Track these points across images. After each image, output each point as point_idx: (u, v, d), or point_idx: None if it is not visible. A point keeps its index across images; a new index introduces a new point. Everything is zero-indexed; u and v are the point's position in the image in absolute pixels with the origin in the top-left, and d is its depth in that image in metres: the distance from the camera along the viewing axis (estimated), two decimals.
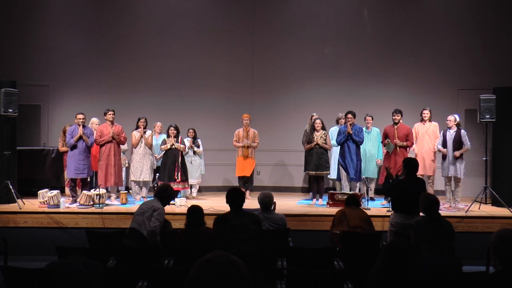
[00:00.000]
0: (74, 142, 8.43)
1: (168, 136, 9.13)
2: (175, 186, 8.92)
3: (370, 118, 9.66)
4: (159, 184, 8.89)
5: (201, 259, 1.62)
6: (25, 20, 11.13)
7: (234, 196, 4.91)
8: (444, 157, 8.66)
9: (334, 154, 9.65)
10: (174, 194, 6.14)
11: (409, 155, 8.61)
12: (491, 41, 10.68)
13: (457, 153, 8.42)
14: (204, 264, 1.60)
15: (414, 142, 8.93)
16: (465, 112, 10.56)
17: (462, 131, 8.62)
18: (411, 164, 6.06)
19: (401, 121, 8.93)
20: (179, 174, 8.97)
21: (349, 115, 8.76)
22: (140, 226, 5.56)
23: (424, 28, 10.94)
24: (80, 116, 8.57)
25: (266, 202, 5.75)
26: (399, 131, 8.76)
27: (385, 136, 8.87)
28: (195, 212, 5.26)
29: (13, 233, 7.53)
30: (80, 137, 8.47)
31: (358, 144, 8.76)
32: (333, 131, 9.77)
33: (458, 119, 8.81)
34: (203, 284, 1.55)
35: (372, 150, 9.56)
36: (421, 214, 5.38)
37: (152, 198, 5.96)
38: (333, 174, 9.72)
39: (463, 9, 10.91)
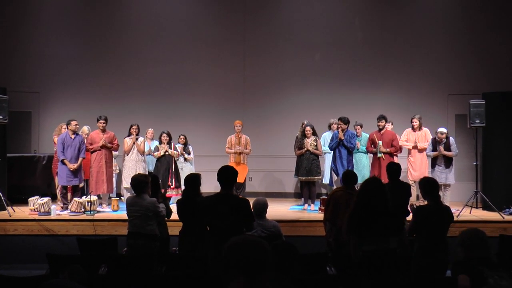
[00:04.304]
0: (62, 158, 8.39)
1: (161, 142, 9.14)
2: (168, 193, 8.92)
3: (358, 127, 9.65)
4: None
5: (234, 239, 2.09)
6: (16, 26, 11.10)
7: (226, 174, 4.63)
8: (433, 165, 8.73)
9: (327, 159, 9.68)
10: (147, 180, 5.72)
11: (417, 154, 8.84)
12: (481, 47, 10.78)
13: (443, 150, 8.52)
14: (238, 242, 2.07)
15: (399, 148, 8.99)
16: (455, 117, 10.65)
17: (451, 138, 8.75)
18: (393, 168, 6.10)
19: (386, 126, 9.00)
20: (173, 180, 9.00)
21: (340, 122, 8.81)
22: (140, 228, 5.52)
23: (414, 34, 11.02)
24: (75, 122, 8.57)
25: (257, 209, 5.73)
26: (385, 136, 8.85)
27: (371, 142, 8.94)
28: (191, 180, 5.48)
29: (3, 241, 7.48)
30: (69, 147, 8.43)
31: (349, 150, 8.80)
32: (326, 136, 9.80)
33: (446, 130, 8.83)
34: (238, 254, 2.01)
35: (362, 156, 9.57)
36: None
37: (135, 196, 5.64)
38: (326, 179, 9.75)
39: (453, 15, 11.00)
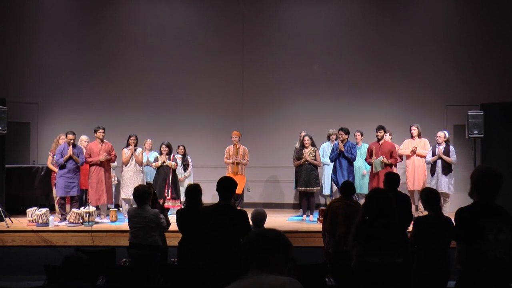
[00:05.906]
0: (63, 162, 8.38)
1: (160, 153, 9.15)
2: (165, 204, 8.89)
3: (359, 134, 9.73)
4: None
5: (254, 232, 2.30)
6: (15, 37, 11.14)
7: (225, 184, 4.65)
8: (432, 173, 8.74)
9: (327, 170, 9.67)
10: (150, 191, 5.78)
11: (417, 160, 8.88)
12: (479, 58, 10.83)
13: (441, 153, 8.54)
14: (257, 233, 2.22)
15: (398, 158, 8.99)
16: (454, 128, 10.67)
17: (451, 146, 8.78)
18: (391, 178, 6.02)
19: (385, 137, 9.00)
20: (169, 191, 8.98)
21: (340, 132, 8.83)
22: (142, 240, 5.52)
23: (413, 44, 11.07)
24: (71, 136, 8.53)
25: (256, 219, 5.72)
26: (384, 147, 8.82)
27: (370, 153, 8.92)
28: (192, 190, 5.46)
29: (1, 252, 7.45)
30: (70, 157, 8.42)
31: (350, 160, 8.79)
32: (325, 147, 9.81)
33: (447, 135, 8.92)
34: (258, 244, 2.13)
35: (362, 166, 9.59)
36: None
37: (137, 207, 5.68)
38: (326, 190, 9.73)
39: (452, 26, 11.07)
